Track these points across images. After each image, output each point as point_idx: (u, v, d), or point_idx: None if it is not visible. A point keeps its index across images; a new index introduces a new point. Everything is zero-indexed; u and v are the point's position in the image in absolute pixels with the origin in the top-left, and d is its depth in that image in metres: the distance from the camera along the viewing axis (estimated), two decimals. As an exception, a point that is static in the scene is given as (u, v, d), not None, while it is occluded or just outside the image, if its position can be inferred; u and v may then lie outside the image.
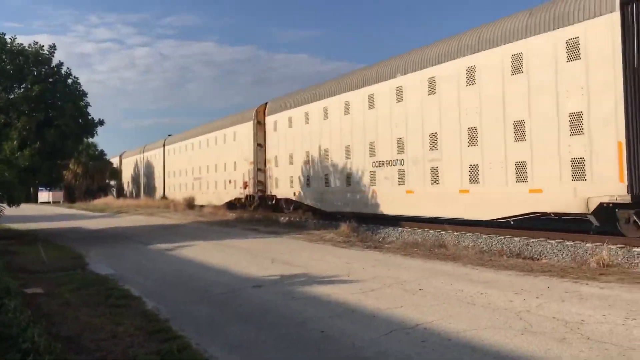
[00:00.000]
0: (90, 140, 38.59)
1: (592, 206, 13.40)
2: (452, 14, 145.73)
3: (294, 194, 27.21)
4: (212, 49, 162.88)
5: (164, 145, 50.87)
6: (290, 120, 27.81)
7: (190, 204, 38.83)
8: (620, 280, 9.07)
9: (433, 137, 18.16)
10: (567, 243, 13.79)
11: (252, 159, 31.06)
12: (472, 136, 16.70)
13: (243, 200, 31.99)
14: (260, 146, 30.76)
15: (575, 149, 13.83)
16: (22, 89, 19.88)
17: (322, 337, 6.33)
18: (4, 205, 17.67)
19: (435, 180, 18.08)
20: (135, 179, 62.54)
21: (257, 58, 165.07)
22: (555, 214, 14.73)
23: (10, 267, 11.78)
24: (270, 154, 30.01)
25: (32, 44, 20.24)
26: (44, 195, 69.93)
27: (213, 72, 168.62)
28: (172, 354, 5.67)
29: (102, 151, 69.68)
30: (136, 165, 62.16)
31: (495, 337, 5.99)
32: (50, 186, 25.93)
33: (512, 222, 15.79)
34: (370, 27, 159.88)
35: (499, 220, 16.10)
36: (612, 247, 12.41)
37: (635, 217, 12.92)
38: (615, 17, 12.94)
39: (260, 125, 30.92)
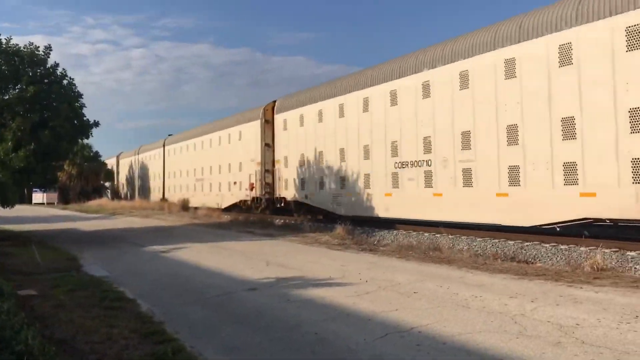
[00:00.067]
0: (85, 141, 38.38)
1: None
2: (450, 16, 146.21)
3: (306, 196, 25.56)
4: (208, 51, 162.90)
5: (164, 146, 49.37)
6: (301, 118, 26.17)
7: (185, 206, 38.64)
8: (614, 284, 9.11)
9: (465, 135, 16.71)
10: (562, 247, 13.81)
11: (259, 160, 29.42)
12: (512, 134, 15.28)
13: (249, 202, 30.33)
14: (268, 146, 29.10)
15: (636, 149, 12.53)
16: (17, 90, 19.79)
17: (317, 339, 6.33)
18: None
19: (467, 182, 16.63)
20: (130, 181, 62.37)
21: (253, 60, 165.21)
22: (610, 220, 13.46)
23: (4, 268, 11.73)
24: (279, 154, 28.34)
25: (28, 45, 20.18)
26: (38, 197, 69.65)
27: (209, 74, 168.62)
28: (166, 356, 5.65)
29: (97, 152, 69.41)
30: (131, 167, 61.99)
31: (490, 341, 6.00)
32: (44, 187, 25.74)
33: (558, 229, 14.35)
34: (368, 30, 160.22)
35: (543, 227, 14.66)
36: (606, 251, 12.43)
37: None
38: None
39: (268, 124, 29.25)
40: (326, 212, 23.95)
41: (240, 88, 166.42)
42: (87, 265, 13.04)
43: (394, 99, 19.87)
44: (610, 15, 13.17)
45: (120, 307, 8.13)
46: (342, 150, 22.78)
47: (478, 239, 16.05)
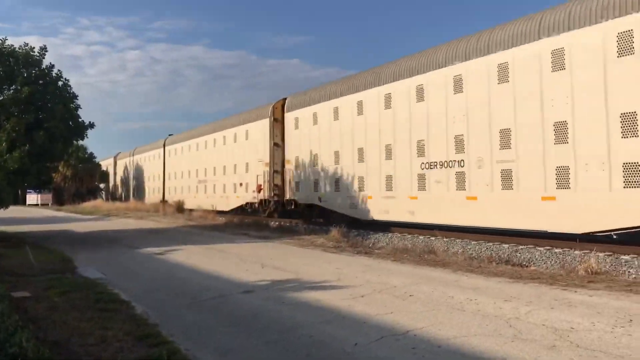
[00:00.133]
0: (80, 142, 38.09)
1: None
2: (448, 19, 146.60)
3: (319, 198, 24.19)
4: (203, 53, 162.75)
5: (164, 146, 47.84)
6: (315, 116, 24.86)
7: (180, 208, 38.43)
8: (609, 288, 9.13)
9: (505, 133, 15.51)
10: (556, 250, 13.88)
11: (267, 160, 28.06)
12: (561, 132, 14.02)
13: (256, 205, 29.10)
14: (277, 146, 27.79)
15: None
16: (12, 91, 19.71)
17: (312, 342, 6.32)
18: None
19: (507, 184, 15.40)
20: (125, 182, 62.23)
21: (248, 63, 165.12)
22: None
23: (-3, 270, 11.66)
24: (289, 154, 27.02)
25: (23, 46, 20.13)
26: (32, 198, 69.37)
27: (204, 76, 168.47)
28: (161, 359, 5.63)
29: (91, 154, 69.39)
30: (126, 168, 61.90)
31: (486, 344, 6.01)
32: (39, 189, 25.50)
33: (615, 237, 13.16)
34: (363, 32, 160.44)
35: (598, 234, 13.44)
36: (600, 254, 12.50)
37: None
38: None
39: (277, 122, 27.94)
40: (342, 215, 22.55)
41: (235, 91, 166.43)
42: (82, 266, 12.98)
43: (420, 94, 18.63)
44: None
45: (114, 309, 8.10)
46: (360, 150, 21.54)
47: (473, 242, 16.12)
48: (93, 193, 66.97)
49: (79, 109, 21.17)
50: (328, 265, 12.64)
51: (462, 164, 16.85)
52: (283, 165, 27.51)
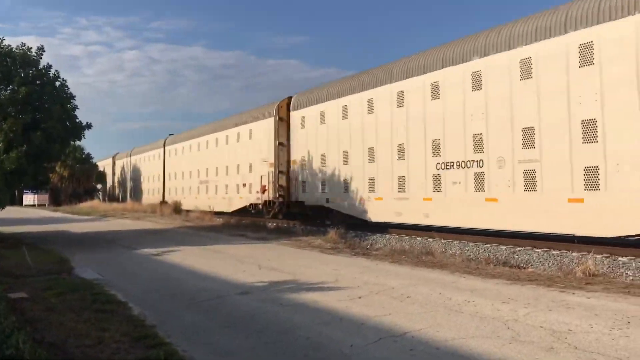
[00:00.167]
0: (77, 143, 37.90)
1: None
2: (448, 19, 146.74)
3: (327, 200, 23.52)
4: (202, 54, 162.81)
5: (164, 146, 46.96)
6: (322, 115, 24.14)
7: (177, 209, 38.34)
8: (606, 290, 9.14)
9: (528, 132, 14.83)
10: (553, 252, 13.89)
11: (272, 160, 27.36)
12: (589, 130, 13.40)
13: (260, 206, 28.35)
14: (282, 145, 27.10)
15: None
16: (9, 91, 19.65)
17: (310, 344, 6.31)
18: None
19: (530, 185, 14.72)
20: (122, 183, 62.13)
21: (246, 63, 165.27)
22: None
23: (-6, 270, 11.62)
24: (295, 154, 26.25)
25: (20, 46, 20.07)
26: (29, 198, 69.28)
27: (202, 77, 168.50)
28: (158, 360, 5.61)
29: (88, 154, 69.26)
30: (123, 169, 61.79)
31: (484, 346, 6.00)
32: (36, 189, 25.41)
33: None
34: (362, 33, 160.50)
35: (630, 238, 13.04)
36: (597, 256, 12.53)
37: None
38: None
39: (282, 121, 27.26)
40: (350, 217, 21.97)
41: (233, 91, 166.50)
42: (78, 267, 12.94)
43: (435, 91, 17.95)
44: None
45: (111, 310, 8.07)
46: (371, 150, 20.86)
47: (470, 244, 16.12)
48: (90, 194, 66.88)
49: (77, 110, 21.13)
50: (325, 266, 12.62)
51: (481, 164, 16.19)
52: (288, 166, 26.91)
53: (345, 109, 22.61)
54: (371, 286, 9.84)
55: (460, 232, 17.27)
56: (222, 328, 7.19)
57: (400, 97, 19.51)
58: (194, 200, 37.95)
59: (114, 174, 66.47)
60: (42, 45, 20.39)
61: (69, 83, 20.96)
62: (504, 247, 15.09)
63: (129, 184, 58.55)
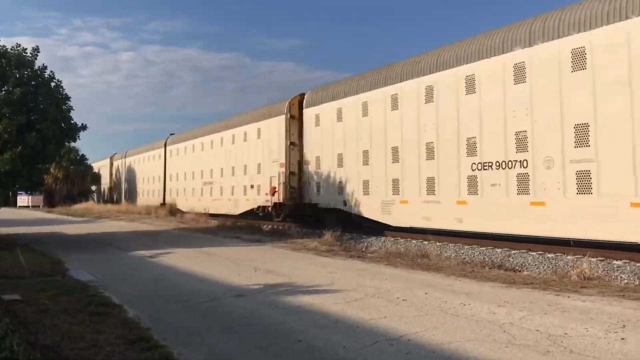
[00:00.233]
0: (72, 144, 37.73)
1: None
2: (446, 19, 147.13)
3: (345, 202, 22.09)
4: (197, 55, 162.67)
5: (165, 146, 45.26)
6: (339, 112, 22.77)
7: (172, 211, 38.15)
8: (601, 293, 9.16)
9: (581, 129, 13.54)
10: (548, 255, 13.91)
11: (282, 160, 25.99)
12: None
13: (270, 209, 26.85)
14: (293, 145, 25.80)
15: None
16: (4, 92, 19.57)
17: (305, 347, 6.29)
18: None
19: (584, 188, 13.42)
20: (117, 184, 61.91)
21: (242, 65, 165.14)
22: None
23: (-13, 272, 11.55)
24: (309, 154, 24.90)
25: (15, 47, 20.00)
26: (23, 199, 69.06)
27: (198, 78, 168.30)
28: (153, 363, 5.58)
29: (83, 156, 69.05)
30: (118, 170, 61.58)
31: (480, 350, 6.00)
32: (30, 190, 25.20)
33: None
34: (358, 35, 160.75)
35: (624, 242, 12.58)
36: (592, 259, 12.54)
37: None
38: None
39: (293, 120, 25.93)
40: (370, 221, 20.89)
41: (228, 93, 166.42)
42: (73, 269, 12.88)
43: (470, 85, 16.64)
44: None
45: (106, 312, 8.03)
46: (394, 149, 19.48)
47: (465, 247, 16.12)
48: (85, 195, 66.61)
49: (72, 111, 21.07)
50: (321, 269, 12.61)
51: (524, 164, 14.86)
52: (300, 166, 25.70)
53: (365, 105, 21.27)
54: (367, 289, 9.83)
55: (454, 235, 17.25)
56: (217, 331, 7.16)
57: (429, 92, 18.13)
58: (197, 202, 36.65)
59: (111, 174, 66.03)
60: (37, 46, 20.34)
61: (64, 84, 20.91)
62: (499, 250, 15.11)
63: (123, 186, 58.35)
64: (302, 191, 25.48)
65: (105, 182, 67.68)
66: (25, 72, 20.05)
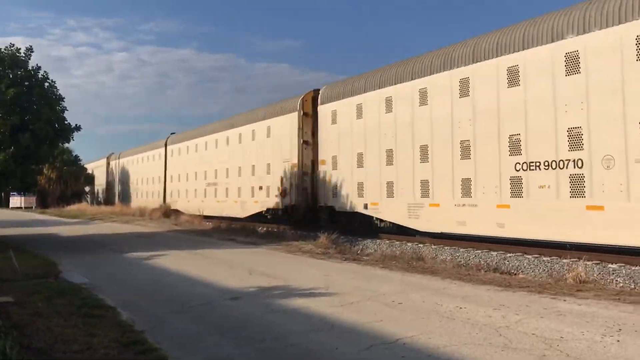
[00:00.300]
0: (66, 145, 37.42)
1: None
2: (444, 20, 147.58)
3: (366, 206, 20.72)
4: (192, 56, 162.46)
5: (165, 145, 43.73)
6: (359, 108, 21.25)
7: (166, 212, 37.90)
8: (597, 297, 9.16)
9: None
10: (544, 258, 13.92)
11: (295, 160, 24.49)
12: None
13: (280, 212, 25.82)
14: (306, 144, 24.41)
15: None
16: (-3, 92, 19.49)
17: (301, 350, 6.25)
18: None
19: None
20: (111, 186, 61.65)
21: (237, 66, 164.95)
22: None
23: (-21, 274, 11.46)
24: (324, 154, 23.34)
25: (8, 47, 19.91)
26: (15, 200, 68.62)
27: (192, 79, 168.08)
28: (148, 367, 5.53)
29: (76, 157, 68.77)
30: (112, 172, 61.34)
31: (476, 353, 5.98)
32: (23, 191, 25.10)
33: None
34: (354, 37, 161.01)
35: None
36: (588, 263, 12.55)
37: None
38: None
39: (306, 117, 24.52)
40: (394, 226, 19.84)
41: (223, 95, 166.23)
42: (66, 271, 12.79)
43: (513, 77, 15.20)
44: None
45: (100, 315, 7.97)
46: (423, 148, 18.03)
47: (461, 250, 16.12)
48: (78, 196, 66.27)
49: (65, 111, 20.99)
50: (316, 271, 12.57)
51: (579, 164, 13.43)
52: (314, 166, 24.27)
53: (389, 101, 19.78)
54: (362, 292, 9.79)
55: (450, 237, 17.23)
56: (212, 334, 7.11)
57: (464, 85, 16.71)
58: (200, 204, 34.97)
59: (107, 175, 65.49)
60: (31, 46, 20.29)
61: (57, 85, 20.83)
62: (494, 253, 15.10)
63: (117, 187, 58.09)
64: (316, 193, 24.06)
65: (99, 183, 67.37)
66: (19, 72, 19.99)
